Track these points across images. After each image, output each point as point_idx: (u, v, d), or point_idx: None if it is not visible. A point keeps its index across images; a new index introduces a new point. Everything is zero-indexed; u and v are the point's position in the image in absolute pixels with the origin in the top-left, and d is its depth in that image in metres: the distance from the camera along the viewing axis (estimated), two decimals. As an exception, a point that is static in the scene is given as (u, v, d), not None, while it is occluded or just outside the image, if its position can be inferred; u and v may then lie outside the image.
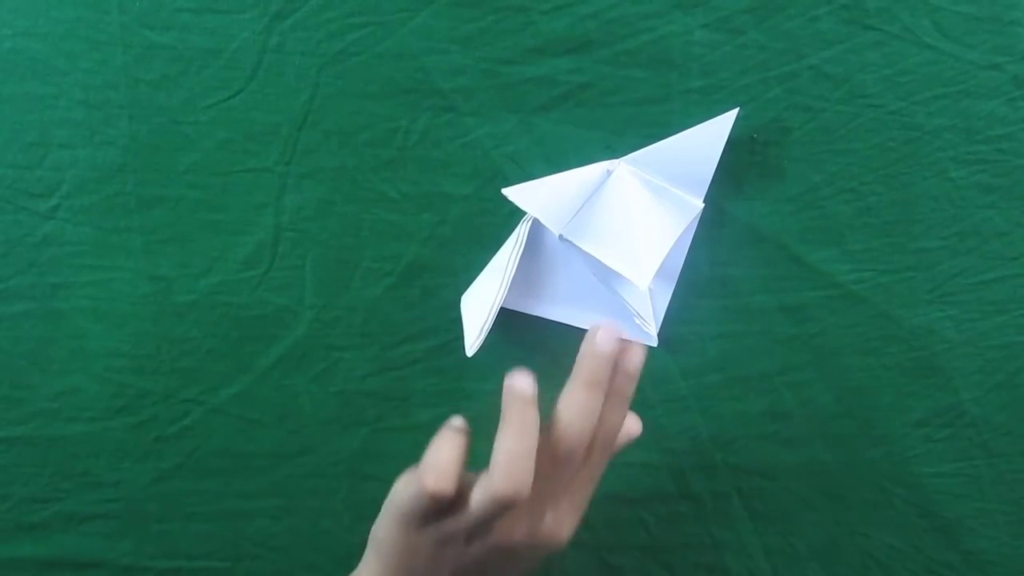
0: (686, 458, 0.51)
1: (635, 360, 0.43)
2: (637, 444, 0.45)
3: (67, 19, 0.46)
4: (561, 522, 0.43)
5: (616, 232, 0.47)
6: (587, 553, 0.52)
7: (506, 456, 0.39)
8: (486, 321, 0.44)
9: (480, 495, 0.39)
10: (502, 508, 0.39)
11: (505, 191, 0.46)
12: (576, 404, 0.41)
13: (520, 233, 0.46)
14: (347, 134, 0.48)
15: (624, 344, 0.43)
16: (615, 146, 0.46)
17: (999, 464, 0.50)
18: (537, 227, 0.46)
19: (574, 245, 0.47)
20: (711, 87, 0.46)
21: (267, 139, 0.48)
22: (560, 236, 0.46)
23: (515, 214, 0.47)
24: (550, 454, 0.40)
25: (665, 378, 0.50)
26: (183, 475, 0.51)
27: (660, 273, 0.47)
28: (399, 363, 0.50)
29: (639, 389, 0.47)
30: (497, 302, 0.44)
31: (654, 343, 0.48)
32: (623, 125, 0.47)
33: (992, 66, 0.46)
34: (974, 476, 0.50)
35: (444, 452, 0.40)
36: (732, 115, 0.45)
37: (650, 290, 0.48)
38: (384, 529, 0.43)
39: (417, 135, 0.48)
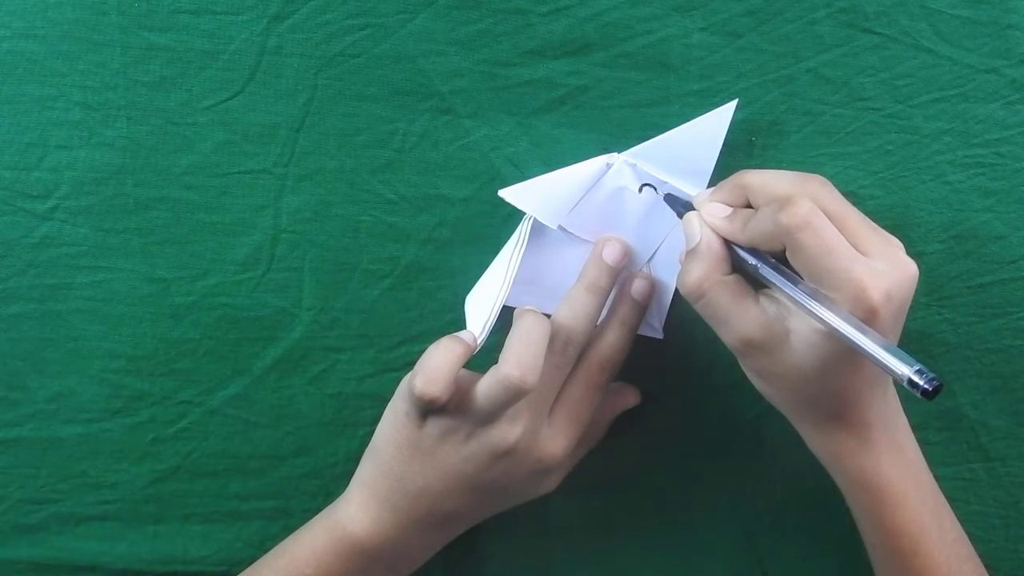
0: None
1: (639, 287, 0.46)
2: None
3: (65, 20, 0.46)
4: (556, 436, 0.45)
5: (615, 224, 0.47)
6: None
7: (518, 343, 0.41)
8: (489, 319, 0.44)
9: (488, 382, 0.41)
10: (508, 394, 0.41)
11: (501, 192, 0.46)
12: (573, 302, 0.45)
13: (522, 231, 0.46)
14: (345, 136, 0.48)
15: (633, 273, 0.47)
16: (613, 149, 0.47)
17: (996, 468, 0.50)
18: (539, 225, 0.46)
19: (575, 237, 0.47)
20: (709, 90, 0.46)
21: (265, 141, 0.48)
22: (559, 227, 0.46)
23: (514, 216, 0.47)
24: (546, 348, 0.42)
25: (669, 372, 0.50)
26: (180, 477, 0.51)
27: (663, 266, 0.47)
28: (397, 365, 0.50)
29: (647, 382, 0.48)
30: (500, 300, 0.44)
31: (660, 336, 0.49)
32: (621, 128, 0.47)
33: (990, 70, 0.46)
34: (971, 480, 0.50)
35: (437, 357, 0.42)
36: (731, 106, 0.45)
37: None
38: (384, 427, 0.45)
39: (415, 137, 0.48)
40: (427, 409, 0.42)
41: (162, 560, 0.52)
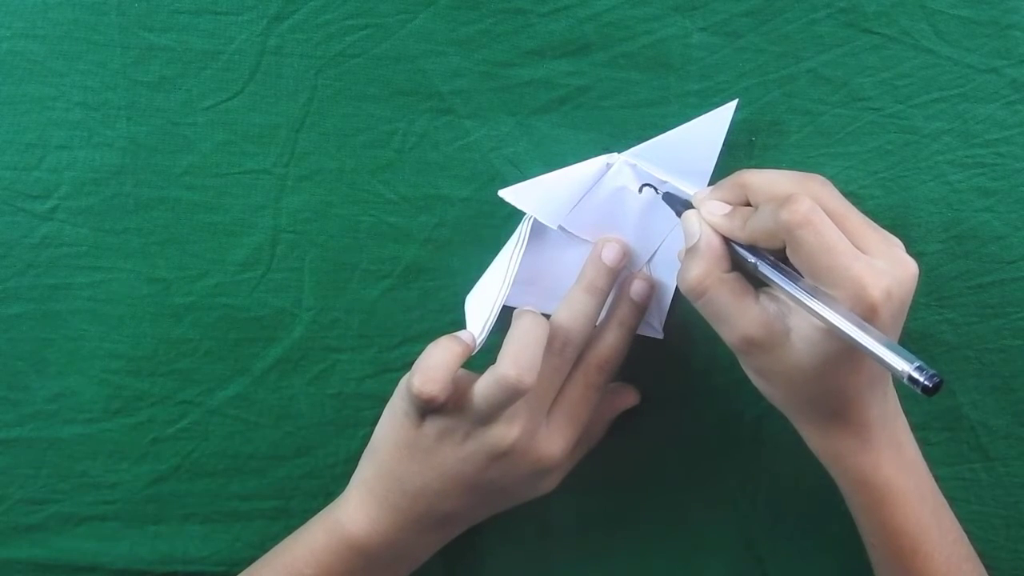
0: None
1: (638, 288, 0.46)
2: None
3: (65, 20, 0.46)
4: (554, 436, 0.45)
5: (615, 224, 0.47)
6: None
7: (516, 343, 0.41)
8: (488, 319, 0.44)
9: (485, 382, 0.41)
10: (506, 394, 0.41)
11: (501, 192, 0.46)
12: (572, 303, 0.45)
13: (522, 231, 0.46)
14: (345, 136, 0.48)
15: (632, 274, 0.47)
16: (613, 149, 0.47)
17: (996, 468, 0.50)
18: (539, 225, 0.46)
19: (575, 237, 0.47)
20: (709, 90, 0.46)
21: (265, 141, 0.48)
22: (559, 227, 0.46)
23: (513, 216, 0.47)
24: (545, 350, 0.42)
25: (669, 372, 0.50)
26: (180, 477, 0.51)
27: (663, 266, 0.47)
28: (397, 365, 0.50)
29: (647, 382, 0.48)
30: (500, 300, 0.44)
31: (660, 336, 0.49)
32: (621, 128, 0.47)
33: (990, 70, 0.46)
34: (972, 480, 0.50)
35: (435, 356, 0.42)
36: (732, 106, 0.45)
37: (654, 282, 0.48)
38: (382, 427, 0.45)
39: (415, 137, 0.48)
40: (425, 408, 0.42)
41: (162, 560, 0.52)
